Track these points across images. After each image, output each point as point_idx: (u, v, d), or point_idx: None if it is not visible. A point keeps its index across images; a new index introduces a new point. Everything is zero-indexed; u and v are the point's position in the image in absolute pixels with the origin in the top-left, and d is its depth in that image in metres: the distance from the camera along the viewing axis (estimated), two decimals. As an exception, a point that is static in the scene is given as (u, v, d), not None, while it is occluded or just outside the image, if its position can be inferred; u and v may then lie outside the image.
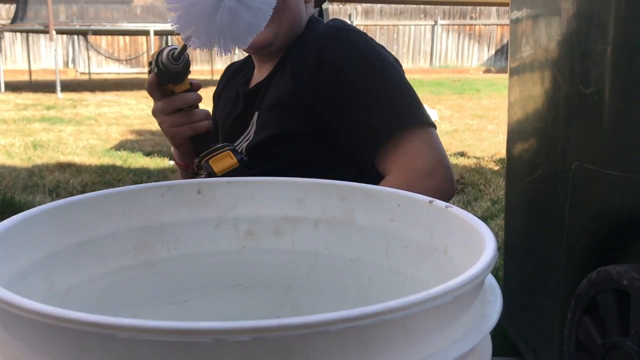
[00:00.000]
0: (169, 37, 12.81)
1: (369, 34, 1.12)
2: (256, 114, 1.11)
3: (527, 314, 1.49)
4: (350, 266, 0.69)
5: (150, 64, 0.96)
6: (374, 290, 0.67)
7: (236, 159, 0.96)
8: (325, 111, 1.03)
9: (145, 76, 0.98)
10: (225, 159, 0.96)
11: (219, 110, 1.27)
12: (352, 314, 0.33)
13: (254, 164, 1.09)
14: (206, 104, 1.02)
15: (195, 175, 1.06)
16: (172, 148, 1.08)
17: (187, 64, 0.91)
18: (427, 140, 1.01)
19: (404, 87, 1.04)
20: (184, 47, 0.87)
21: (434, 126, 1.03)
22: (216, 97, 1.31)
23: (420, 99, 1.06)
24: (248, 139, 1.11)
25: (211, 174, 0.95)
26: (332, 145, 1.05)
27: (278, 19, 1.06)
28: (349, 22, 1.15)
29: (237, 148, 1.13)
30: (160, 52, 0.93)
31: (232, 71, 1.30)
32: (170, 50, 0.89)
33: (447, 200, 0.59)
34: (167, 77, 0.93)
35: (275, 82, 1.09)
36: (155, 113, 1.00)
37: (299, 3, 1.09)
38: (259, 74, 1.16)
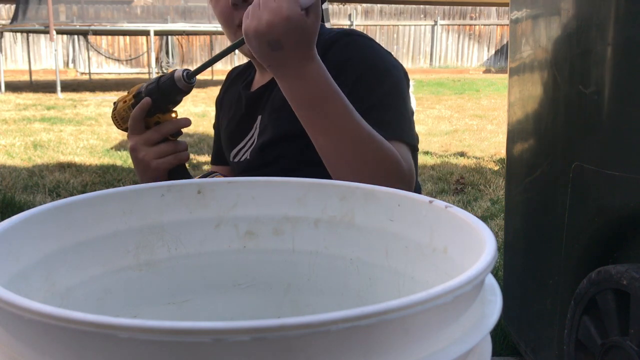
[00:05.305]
0: (169, 37, 12.81)
1: (369, 35, 1.11)
2: (259, 117, 1.11)
3: (527, 314, 1.49)
4: (350, 266, 0.69)
5: (137, 95, 0.97)
6: (374, 290, 0.67)
7: None
8: None
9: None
10: None
11: (222, 114, 1.27)
12: (352, 314, 0.33)
13: (259, 165, 1.09)
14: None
15: None
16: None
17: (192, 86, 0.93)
18: (405, 156, 0.95)
19: (399, 99, 1.01)
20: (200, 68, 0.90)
21: (416, 149, 1.01)
22: (219, 102, 1.31)
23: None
24: (253, 141, 1.12)
25: None
26: None
27: None
28: (348, 22, 1.15)
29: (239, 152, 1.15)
30: (159, 78, 0.95)
31: (234, 75, 1.30)
32: (184, 71, 0.92)
33: None
34: (169, 98, 0.95)
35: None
36: (136, 147, 0.98)
37: None
38: (261, 78, 1.16)
